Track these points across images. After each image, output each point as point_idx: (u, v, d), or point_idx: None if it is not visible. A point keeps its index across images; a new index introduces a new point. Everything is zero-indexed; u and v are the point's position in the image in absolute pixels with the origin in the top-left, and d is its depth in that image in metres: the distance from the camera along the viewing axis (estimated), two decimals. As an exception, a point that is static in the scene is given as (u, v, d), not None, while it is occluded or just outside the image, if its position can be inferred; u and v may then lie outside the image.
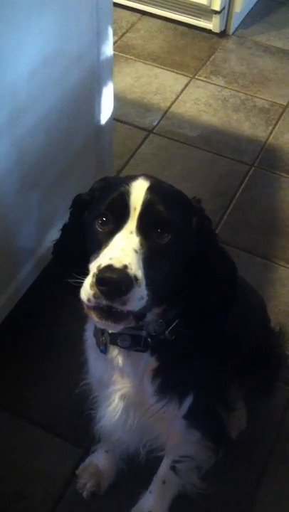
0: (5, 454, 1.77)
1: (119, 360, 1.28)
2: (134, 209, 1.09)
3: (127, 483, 1.69)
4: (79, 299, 1.07)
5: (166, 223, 1.09)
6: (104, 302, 1.02)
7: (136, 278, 1.02)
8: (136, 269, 1.02)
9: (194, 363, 1.29)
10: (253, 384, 1.71)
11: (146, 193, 1.10)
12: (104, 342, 1.26)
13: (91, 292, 1.03)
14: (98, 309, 1.05)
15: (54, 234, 2.01)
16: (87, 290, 1.04)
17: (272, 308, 2.08)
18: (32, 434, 1.80)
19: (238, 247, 2.36)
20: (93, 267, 1.04)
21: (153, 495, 1.61)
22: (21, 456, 1.76)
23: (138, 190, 1.11)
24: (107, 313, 1.04)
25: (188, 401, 1.35)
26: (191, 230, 1.15)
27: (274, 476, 1.77)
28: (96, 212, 1.13)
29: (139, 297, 1.03)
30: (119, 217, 1.09)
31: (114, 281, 1.00)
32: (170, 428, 1.42)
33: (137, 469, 1.65)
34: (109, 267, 1.01)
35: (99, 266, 1.02)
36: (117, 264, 1.01)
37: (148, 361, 1.26)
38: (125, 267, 1.01)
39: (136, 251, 1.05)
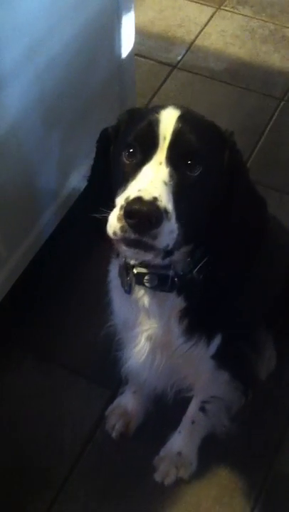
0: (33, 397, 1.78)
1: (145, 300, 1.24)
2: (164, 139, 1.03)
3: (155, 424, 1.69)
4: (104, 236, 1.03)
5: (197, 154, 1.04)
6: (132, 236, 0.98)
7: (166, 211, 0.97)
8: (166, 201, 0.98)
9: (222, 303, 1.25)
10: (282, 325, 1.66)
11: (177, 122, 1.05)
12: (130, 282, 1.22)
13: (118, 225, 0.98)
14: (126, 240, 1.00)
15: (76, 175, 1.99)
16: (114, 223, 0.99)
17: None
18: (59, 377, 1.81)
19: (268, 186, 2.27)
20: (120, 199, 1.00)
21: (182, 435, 1.61)
22: (49, 399, 1.77)
23: (168, 119, 1.05)
24: (136, 243, 1.00)
25: (217, 341, 1.32)
26: (222, 162, 1.10)
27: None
28: (123, 144, 1.08)
29: (169, 231, 0.98)
30: (147, 148, 1.03)
31: (144, 213, 0.95)
32: (198, 369, 1.40)
33: (165, 410, 1.64)
34: (139, 199, 0.96)
35: (127, 198, 0.97)
36: (147, 196, 0.96)
37: (175, 301, 1.23)
38: (155, 199, 0.96)
39: (165, 183, 1.00)
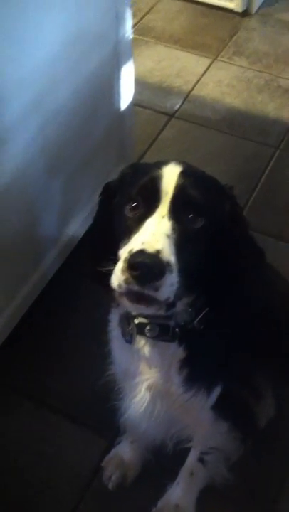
0: (29, 443, 1.76)
1: (146, 350, 1.25)
2: (166, 193, 1.06)
3: (153, 475, 1.67)
4: (107, 288, 1.04)
5: (199, 207, 1.06)
6: (135, 288, 0.99)
7: (168, 264, 0.99)
8: (169, 254, 1.00)
9: (222, 353, 1.26)
10: (281, 371, 1.66)
11: (179, 178, 1.08)
12: (131, 332, 1.23)
13: (122, 278, 1.00)
14: (129, 294, 1.02)
15: (77, 222, 2.02)
16: (118, 276, 1.01)
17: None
18: (56, 424, 1.79)
19: (264, 232, 2.30)
20: (124, 252, 1.02)
21: (180, 486, 1.59)
22: (46, 446, 1.75)
23: (170, 175, 1.08)
24: (139, 297, 1.02)
25: (217, 391, 1.32)
26: (223, 216, 1.12)
27: (302, 467, 1.73)
28: (126, 197, 1.10)
29: (170, 284, 1.00)
30: (150, 202, 1.06)
31: (147, 266, 0.97)
32: (198, 419, 1.39)
33: (163, 461, 1.62)
34: (142, 252, 0.98)
35: (131, 250, 0.99)
36: (150, 249, 0.99)
37: (175, 351, 1.23)
38: (158, 252, 0.99)
39: (168, 235, 1.02)
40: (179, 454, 1.55)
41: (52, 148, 1.73)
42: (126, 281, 1.00)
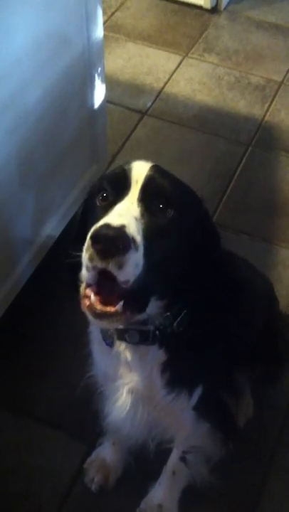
0: (9, 452, 1.73)
1: (127, 354, 1.24)
2: (136, 182, 1.05)
3: (135, 476, 1.66)
4: (78, 288, 1.03)
5: (169, 198, 1.05)
6: (99, 265, 0.96)
7: (134, 240, 0.97)
8: (134, 230, 0.98)
9: (203, 354, 1.26)
10: (260, 371, 1.67)
11: (150, 170, 1.07)
12: (112, 336, 1.22)
13: (86, 255, 0.98)
14: (94, 288, 1.00)
15: (51, 223, 2.00)
16: (84, 255, 0.99)
17: (275, 291, 2.04)
18: (36, 431, 1.77)
19: (238, 230, 2.32)
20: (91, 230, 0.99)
21: (163, 486, 1.59)
22: (25, 454, 1.73)
23: (141, 167, 1.07)
24: (102, 307, 1.00)
25: (198, 392, 1.32)
26: (196, 217, 1.11)
27: (282, 466, 1.74)
28: (97, 189, 1.09)
29: (135, 263, 0.97)
30: (120, 191, 1.05)
31: (110, 237, 0.95)
32: (179, 420, 1.39)
33: (145, 461, 1.62)
34: (106, 225, 0.96)
35: (95, 226, 0.97)
36: (114, 223, 0.96)
37: (156, 354, 1.23)
38: (123, 225, 0.96)
39: (136, 218, 1.00)
40: (160, 455, 1.55)
41: (23, 150, 1.70)
42: (90, 257, 0.97)
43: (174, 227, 1.05)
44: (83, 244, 1.04)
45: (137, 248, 0.97)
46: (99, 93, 2.05)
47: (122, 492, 1.66)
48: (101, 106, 2.09)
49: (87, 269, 0.99)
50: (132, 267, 0.97)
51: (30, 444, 1.75)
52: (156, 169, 1.08)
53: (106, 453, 1.68)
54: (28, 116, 1.67)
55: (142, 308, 1.06)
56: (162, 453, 1.54)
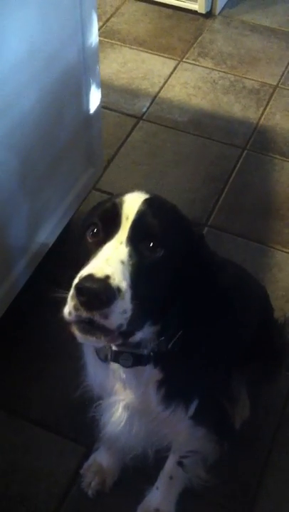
0: (5, 454, 1.73)
1: (121, 373, 1.23)
2: (127, 218, 1.04)
3: (132, 480, 1.67)
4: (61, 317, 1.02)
5: (159, 237, 1.04)
6: (84, 314, 0.97)
7: (119, 290, 0.96)
8: (119, 280, 0.97)
9: (198, 368, 1.25)
10: (255, 372, 1.68)
11: (142, 205, 1.06)
12: (106, 353, 1.20)
13: (71, 304, 0.98)
14: (80, 324, 1.00)
15: (46, 229, 2.00)
16: (68, 302, 0.99)
17: (270, 293, 2.04)
18: (32, 434, 1.77)
19: (233, 233, 2.33)
20: (76, 278, 0.99)
21: (160, 491, 1.59)
22: (22, 456, 1.73)
23: (133, 200, 1.06)
24: (90, 327, 0.99)
25: (194, 404, 1.32)
26: (186, 250, 1.10)
27: (278, 465, 1.75)
28: (88, 223, 1.08)
29: (121, 311, 0.97)
30: (110, 227, 1.04)
31: (93, 291, 0.94)
32: (176, 429, 1.39)
33: (141, 465, 1.61)
34: (90, 277, 0.95)
35: (80, 276, 0.97)
36: (99, 274, 0.96)
37: (151, 373, 1.22)
38: (107, 277, 0.96)
39: (123, 262, 0.99)
40: (157, 458, 1.55)
41: (18, 155, 1.70)
42: (75, 307, 0.97)
43: (163, 266, 1.04)
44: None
45: (122, 297, 0.97)
46: (94, 98, 2.05)
47: (119, 496, 1.66)
48: (96, 111, 2.10)
49: (71, 314, 0.99)
50: (118, 315, 0.97)
51: (26, 446, 1.75)
52: (149, 203, 1.07)
53: (102, 457, 1.68)
54: (24, 121, 1.67)
55: (130, 333, 1.05)
56: (158, 457, 1.54)
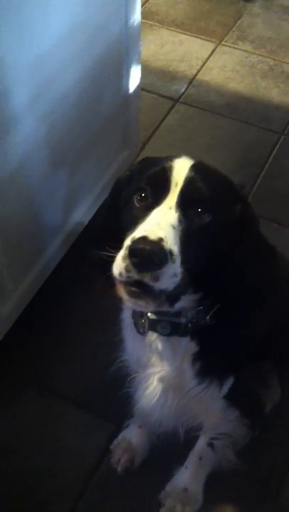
0: (35, 430, 1.76)
1: (159, 344, 1.24)
2: (176, 184, 1.04)
3: (160, 459, 1.68)
4: (110, 276, 1.03)
5: (208, 203, 1.05)
6: (135, 276, 0.98)
7: (171, 253, 0.97)
8: (171, 243, 0.98)
9: (234, 345, 1.25)
10: (285, 356, 1.66)
11: (190, 170, 1.06)
12: (144, 325, 1.22)
13: (123, 265, 0.99)
14: (129, 285, 1.00)
15: (81, 210, 2.00)
16: (118, 263, 1.00)
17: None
18: (62, 410, 1.79)
19: (269, 218, 2.30)
20: (128, 240, 1.00)
21: (189, 470, 1.60)
22: (51, 432, 1.75)
23: (181, 167, 1.07)
24: (139, 291, 1.00)
25: (229, 383, 1.32)
26: (233, 215, 1.10)
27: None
28: (135, 187, 1.09)
29: (172, 274, 0.98)
30: (158, 192, 1.05)
31: (147, 252, 0.95)
32: (209, 408, 1.39)
33: (170, 444, 1.62)
34: (144, 238, 0.97)
35: (133, 238, 0.98)
36: (152, 236, 0.97)
37: (188, 345, 1.23)
38: (160, 239, 0.97)
39: (173, 226, 1.01)
40: (186, 438, 1.56)
41: (57, 135, 1.70)
42: (126, 268, 0.98)
43: (212, 231, 1.05)
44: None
45: (174, 260, 0.98)
46: (134, 77, 2.05)
47: (147, 474, 1.67)
48: (135, 90, 2.09)
49: (121, 275, 1.00)
50: (168, 279, 0.98)
51: (56, 421, 1.77)
52: (197, 169, 1.07)
53: (132, 435, 1.69)
54: (65, 98, 1.67)
55: (176, 297, 1.06)
56: (189, 437, 1.55)
